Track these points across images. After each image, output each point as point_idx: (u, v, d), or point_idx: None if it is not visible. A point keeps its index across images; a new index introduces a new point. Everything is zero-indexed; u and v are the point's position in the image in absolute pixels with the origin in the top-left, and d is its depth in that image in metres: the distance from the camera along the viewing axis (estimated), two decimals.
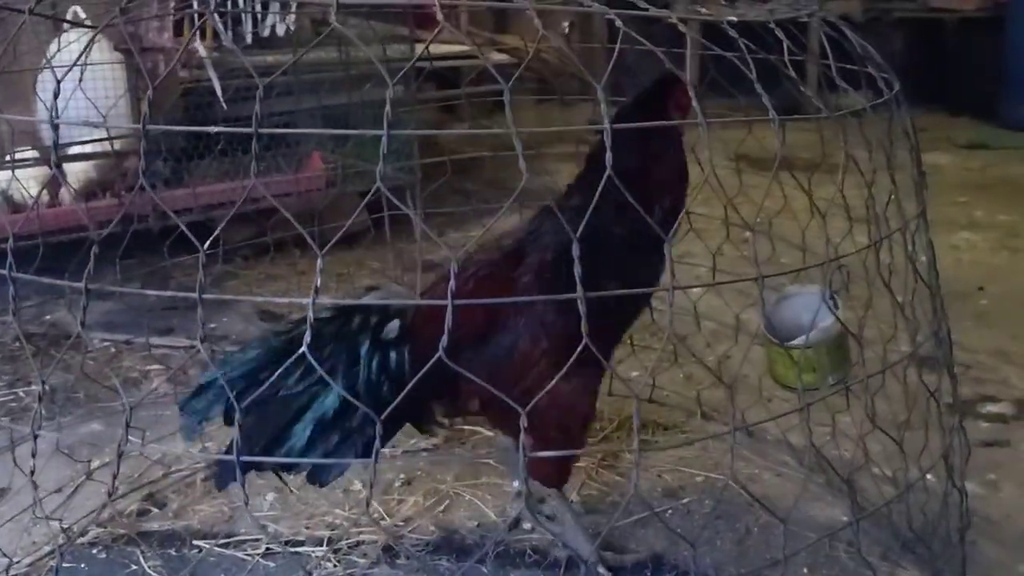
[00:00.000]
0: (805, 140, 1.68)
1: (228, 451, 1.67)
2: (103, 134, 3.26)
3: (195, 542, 1.97)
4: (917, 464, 1.63)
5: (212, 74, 3.50)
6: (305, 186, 3.62)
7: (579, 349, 1.18)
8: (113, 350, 2.98)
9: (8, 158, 3.21)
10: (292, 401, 1.67)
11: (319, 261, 1.15)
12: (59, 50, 2.84)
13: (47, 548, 1.93)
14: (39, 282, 1.33)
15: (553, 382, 1.30)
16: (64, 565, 1.88)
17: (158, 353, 2.89)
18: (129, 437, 1.25)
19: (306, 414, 1.67)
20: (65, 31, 3.07)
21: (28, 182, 3.11)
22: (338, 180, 3.65)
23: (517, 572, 1.88)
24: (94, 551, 1.95)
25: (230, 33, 3.69)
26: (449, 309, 1.14)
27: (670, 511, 2.07)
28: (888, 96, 1.60)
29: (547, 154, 3.52)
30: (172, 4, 3.25)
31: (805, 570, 1.87)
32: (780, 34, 1.41)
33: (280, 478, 1.87)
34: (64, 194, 3.31)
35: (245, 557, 1.92)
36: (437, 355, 1.17)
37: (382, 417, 1.22)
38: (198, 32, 3.68)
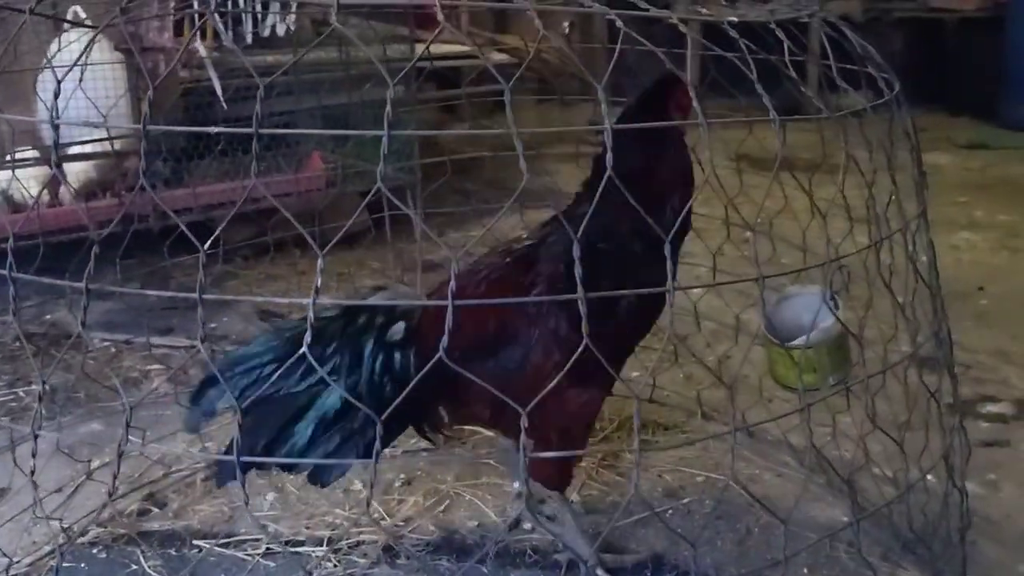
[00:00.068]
0: (806, 140, 1.68)
1: (228, 449, 1.67)
2: (103, 134, 3.26)
3: (195, 542, 1.97)
4: (917, 464, 1.63)
5: (212, 74, 3.50)
6: (305, 186, 3.62)
7: (583, 355, 1.17)
8: (113, 350, 2.98)
9: (8, 158, 3.21)
10: (294, 399, 1.66)
11: (319, 261, 1.15)
12: (59, 50, 2.84)
13: (47, 548, 1.93)
14: (39, 282, 1.33)
15: (550, 383, 1.29)
16: (64, 565, 1.88)
17: (158, 353, 2.89)
18: (129, 437, 1.25)
19: (308, 413, 1.66)
20: (65, 31, 3.07)
21: (28, 182, 3.11)
22: (338, 180, 3.65)
23: (517, 572, 1.88)
24: (94, 551, 1.95)
25: (230, 33, 3.69)
26: (450, 309, 1.14)
27: (670, 511, 2.07)
28: (888, 96, 1.60)
29: (547, 154, 3.53)
30: (172, 4, 3.25)
31: (805, 570, 1.87)
32: (780, 34, 1.41)
33: (286, 469, 1.87)
34: (64, 194, 3.31)
35: (245, 557, 1.92)
36: (437, 355, 1.17)
37: (383, 417, 1.21)
38: (198, 32, 3.68)
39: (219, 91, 3.44)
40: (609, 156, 1.16)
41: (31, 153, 3.36)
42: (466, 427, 2.34)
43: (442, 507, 2.11)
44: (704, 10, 1.72)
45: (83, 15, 3.18)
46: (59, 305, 3.17)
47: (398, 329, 1.74)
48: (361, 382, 1.70)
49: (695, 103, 1.30)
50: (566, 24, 6.60)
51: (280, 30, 3.92)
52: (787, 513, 1.65)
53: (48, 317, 3.18)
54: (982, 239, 4.10)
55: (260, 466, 1.72)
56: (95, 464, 2.21)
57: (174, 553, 1.94)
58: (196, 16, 3.04)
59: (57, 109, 1.30)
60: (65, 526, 1.96)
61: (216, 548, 1.95)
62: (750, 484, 2.15)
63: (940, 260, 1.76)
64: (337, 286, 3.35)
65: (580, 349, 1.16)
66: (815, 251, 1.69)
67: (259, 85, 1.14)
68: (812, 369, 2.52)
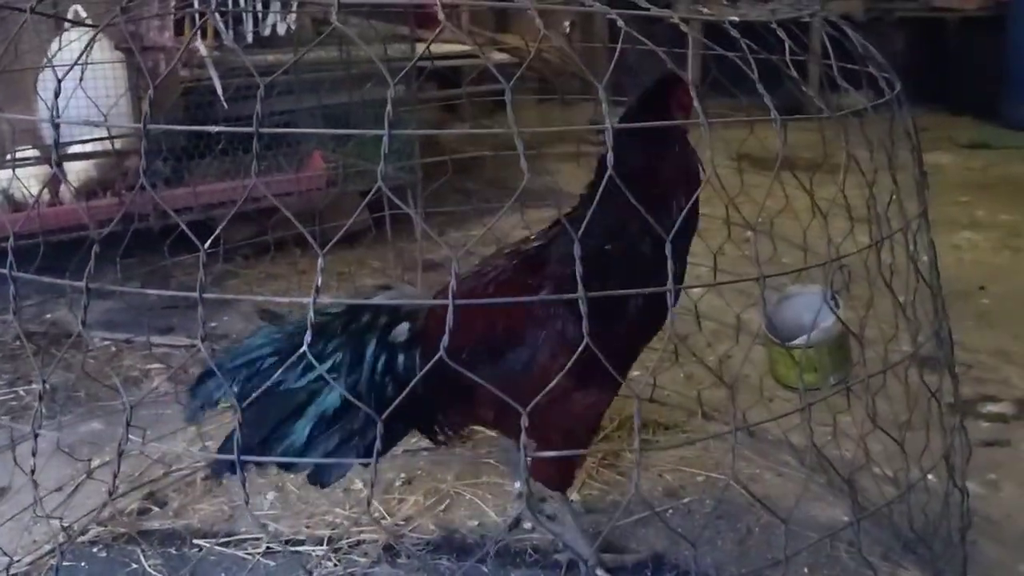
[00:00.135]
0: (807, 140, 1.68)
1: (227, 441, 1.66)
2: (104, 133, 3.26)
3: (195, 541, 1.97)
4: (918, 464, 1.63)
5: (213, 73, 3.50)
6: (306, 185, 3.62)
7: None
8: (114, 349, 2.98)
9: (9, 157, 3.21)
10: (294, 396, 1.66)
11: (320, 260, 1.15)
12: (60, 49, 2.85)
13: (47, 547, 1.93)
14: (40, 281, 1.33)
15: (549, 385, 1.29)
16: (64, 564, 1.88)
17: (159, 352, 2.89)
18: (129, 436, 1.25)
19: (307, 410, 1.66)
20: (66, 30, 3.07)
21: (29, 181, 3.11)
22: (339, 179, 3.66)
23: (517, 572, 1.88)
24: (94, 550, 1.95)
25: (231, 32, 3.69)
26: (450, 309, 1.14)
27: (671, 511, 2.07)
28: (890, 96, 1.60)
29: (548, 154, 3.52)
30: (173, 3, 3.25)
31: (806, 570, 1.86)
32: (782, 34, 1.41)
33: (286, 469, 1.86)
34: (65, 193, 3.31)
35: (245, 556, 1.92)
36: (437, 355, 1.17)
37: (383, 416, 1.21)
38: (199, 31, 3.68)
39: (219, 90, 3.44)
40: (610, 155, 1.16)
41: (31, 152, 3.36)
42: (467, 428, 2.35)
43: (442, 506, 2.11)
44: (705, 9, 1.72)
45: (84, 14, 3.18)
46: (59, 304, 3.17)
47: (402, 330, 1.73)
48: (362, 381, 1.69)
49: (696, 102, 1.30)
50: (567, 23, 6.61)
51: (281, 29, 3.92)
52: (788, 513, 1.65)
53: (48, 316, 3.18)
54: (983, 239, 4.10)
55: (259, 462, 1.71)
56: (95, 463, 2.21)
57: (174, 552, 1.94)
58: (197, 15, 3.04)
59: (57, 108, 1.30)
60: (65, 525, 1.96)
61: (216, 547, 1.94)
62: (751, 484, 2.15)
63: (941, 260, 1.76)
64: (337, 285, 3.35)
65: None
66: (816, 250, 1.69)
67: (259, 84, 1.14)
68: (813, 369, 2.52)
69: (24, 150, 3.32)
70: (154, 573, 1.87)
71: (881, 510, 1.77)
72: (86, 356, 2.79)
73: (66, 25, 3.08)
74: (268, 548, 1.93)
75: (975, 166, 5.43)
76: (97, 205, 3.32)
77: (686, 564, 1.86)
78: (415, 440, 2.28)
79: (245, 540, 1.97)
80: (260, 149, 1.16)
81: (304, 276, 3.31)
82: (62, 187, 3.28)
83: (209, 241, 1.20)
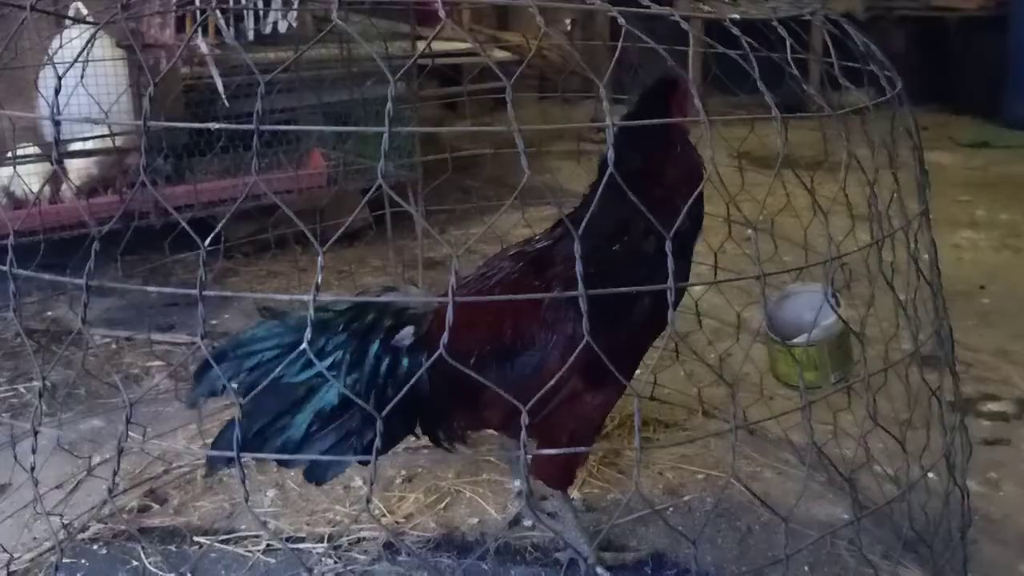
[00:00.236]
0: (808, 138, 1.68)
1: (223, 434, 1.66)
2: (104, 130, 3.26)
3: (196, 538, 1.98)
4: (919, 462, 1.63)
5: (214, 71, 3.49)
6: (306, 183, 3.62)
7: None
8: (114, 346, 2.98)
9: (10, 154, 3.21)
10: (293, 389, 1.65)
11: (320, 258, 1.15)
12: (61, 46, 2.84)
13: (48, 544, 1.93)
14: (40, 278, 1.33)
15: (565, 388, 1.28)
16: (64, 561, 1.88)
17: (159, 349, 2.89)
18: (130, 433, 1.25)
19: (306, 405, 1.65)
20: (67, 27, 3.07)
21: (29, 178, 3.11)
22: (339, 177, 3.65)
23: (518, 569, 1.88)
24: (95, 547, 1.95)
25: (232, 30, 3.69)
26: (451, 307, 1.14)
27: (671, 509, 2.07)
28: (891, 94, 1.60)
29: (549, 152, 3.52)
30: (174, 1, 3.25)
31: (806, 568, 1.86)
32: (783, 32, 1.40)
33: (283, 464, 1.85)
34: (65, 190, 3.31)
35: (246, 553, 1.92)
36: (437, 352, 1.16)
37: (383, 414, 1.21)
38: (200, 29, 3.68)
39: (220, 88, 3.44)
40: (610, 154, 1.16)
41: (32, 149, 3.36)
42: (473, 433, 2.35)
43: (443, 504, 2.11)
44: (706, 7, 1.71)
45: (84, 11, 3.17)
46: (60, 301, 3.17)
47: (406, 334, 1.71)
48: (362, 380, 1.68)
49: (697, 101, 1.30)
50: (568, 21, 6.61)
51: (282, 27, 3.92)
52: (788, 511, 1.64)
53: (49, 313, 3.18)
54: (984, 238, 4.10)
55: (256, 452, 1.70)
56: (95, 460, 2.21)
57: (174, 549, 1.95)
58: (198, 13, 3.04)
59: (58, 105, 1.30)
60: (65, 522, 1.97)
61: (216, 544, 1.95)
62: (751, 482, 2.15)
63: (942, 258, 1.75)
64: (338, 283, 3.36)
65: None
66: (816, 249, 1.69)
67: (260, 82, 1.14)
68: (813, 367, 2.51)
69: (25, 147, 3.32)
70: (154, 570, 1.87)
71: (882, 508, 1.77)
72: (86, 353, 2.79)
73: (67, 22, 3.07)
74: (268, 545, 1.93)
75: (976, 165, 5.43)
76: (98, 202, 3.32)
77: (686, 562, 1.86)
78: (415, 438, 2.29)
79: (245, 537, 1.97)
80: (260, 146, 1.16)
81: (305, 274, 3.31)
82: (63, 184, 3.28)
83: (210, 239, 1.20)
